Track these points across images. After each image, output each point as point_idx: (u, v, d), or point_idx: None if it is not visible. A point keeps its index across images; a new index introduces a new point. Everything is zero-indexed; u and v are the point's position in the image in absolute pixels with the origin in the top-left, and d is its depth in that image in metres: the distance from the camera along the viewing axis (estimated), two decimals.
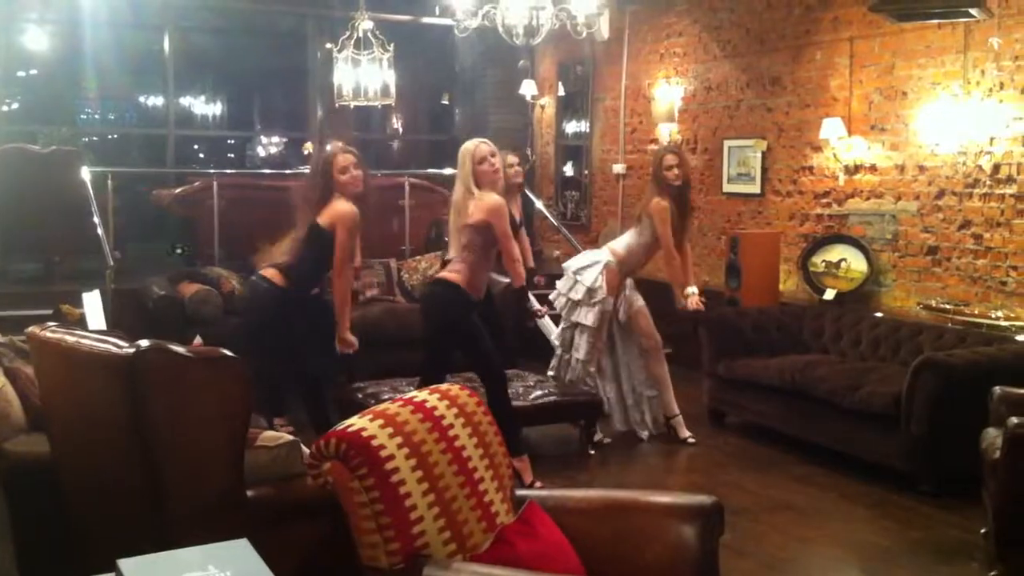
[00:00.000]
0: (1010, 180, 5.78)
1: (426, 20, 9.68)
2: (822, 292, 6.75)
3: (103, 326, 5.50)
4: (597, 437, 5.74)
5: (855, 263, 6.69)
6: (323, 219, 5.11)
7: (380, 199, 8.14)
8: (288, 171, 9.78)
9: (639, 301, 5.93)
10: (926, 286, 6.31)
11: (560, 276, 6.03)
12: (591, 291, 5.67)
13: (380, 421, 2.35)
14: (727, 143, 7.95)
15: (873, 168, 6.68)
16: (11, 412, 3.36)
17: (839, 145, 6.85)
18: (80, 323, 5.42)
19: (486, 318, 5.03)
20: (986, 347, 5.17)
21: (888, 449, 5.02)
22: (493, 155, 4.77)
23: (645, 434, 5.92)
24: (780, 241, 7.18)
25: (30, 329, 3.17)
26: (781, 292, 7.06)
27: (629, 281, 5.97)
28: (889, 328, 5.87)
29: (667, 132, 8.49)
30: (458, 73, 11.29)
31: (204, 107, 11.63)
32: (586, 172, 9.89)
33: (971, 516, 4.37)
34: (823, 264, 6.86)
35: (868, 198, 6.72)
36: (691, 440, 5.83)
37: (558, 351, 5.98)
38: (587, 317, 5.69)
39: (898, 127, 6.48)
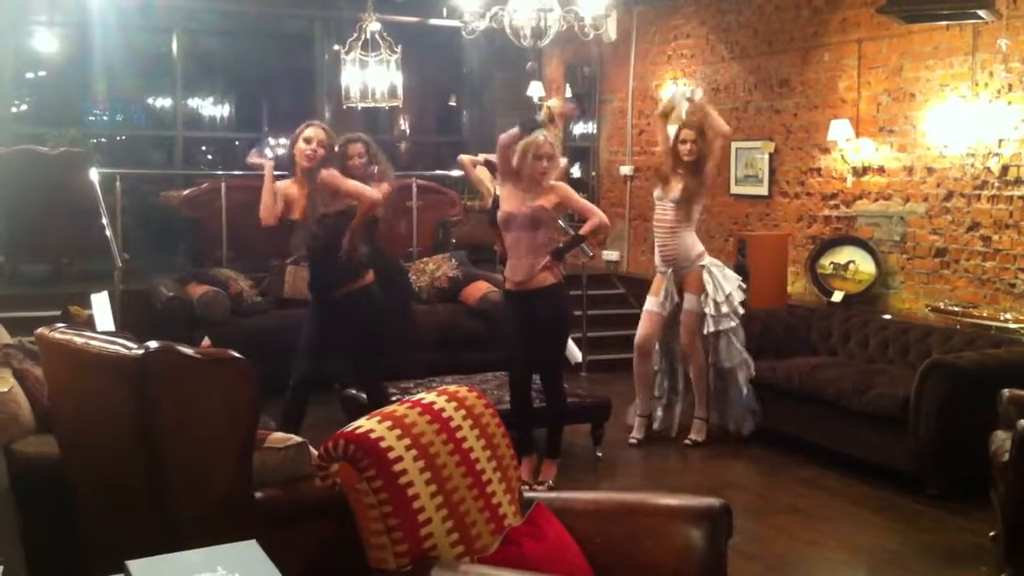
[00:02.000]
0: (1019, 182, 5.76)
1: (433, 22, 9.67)
2: (830, 294, 6.74)
3: (111, 327, 5.51)
4: (634, 437, 5.80)
5: (863, 265, 6.67)
6: None
7: (387, 201, 8.15)
8: None
9: (688, 304, 5.80)
10: (934, 288, 6.29)
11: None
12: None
13: (388, 423, 2.35)
14: (735, 144, 7.93)
15: (881, 170, 6.67)
16: (20, 413, 3.37)
17: (847, 147, 6.83)
18: (88, 324, 5.44)
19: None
20: (995, 349, 5.16)
21: (896, 452, 5.01)
22: (551, 158, 4.79)
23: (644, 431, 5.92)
24: (788, 243, 7.16)
25: (39, 330, 3.17)
26: (789, 294, 7.04)
27: (704, 281, 5.79)
28: (897, 330, 5.85)
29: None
30: (465, 75, 11.30)
31: (212, 109, 11.64)
32: (593, 174, 9.89)
33: (980, 519, 4.36)
34: (831, 266, 6.85)
35: (876, 200, 6.71)
36: (699, 441, 5.82)
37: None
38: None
39: (906, 129, 6.46)
